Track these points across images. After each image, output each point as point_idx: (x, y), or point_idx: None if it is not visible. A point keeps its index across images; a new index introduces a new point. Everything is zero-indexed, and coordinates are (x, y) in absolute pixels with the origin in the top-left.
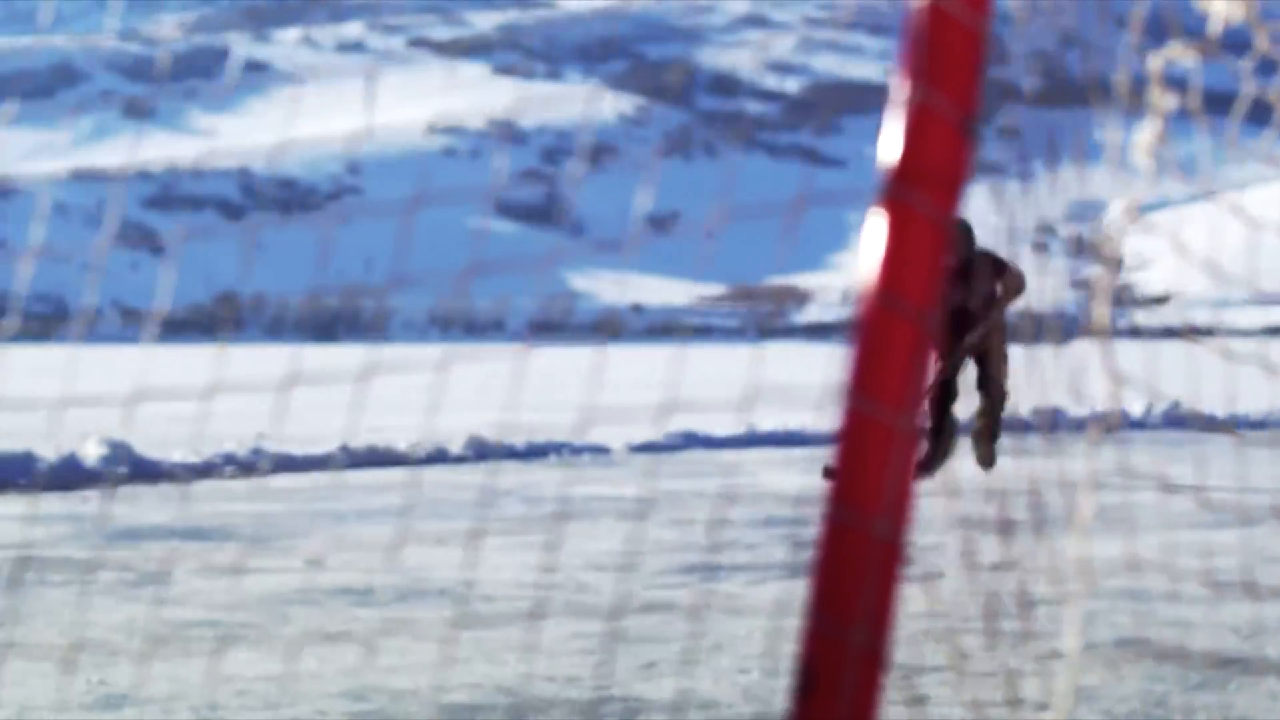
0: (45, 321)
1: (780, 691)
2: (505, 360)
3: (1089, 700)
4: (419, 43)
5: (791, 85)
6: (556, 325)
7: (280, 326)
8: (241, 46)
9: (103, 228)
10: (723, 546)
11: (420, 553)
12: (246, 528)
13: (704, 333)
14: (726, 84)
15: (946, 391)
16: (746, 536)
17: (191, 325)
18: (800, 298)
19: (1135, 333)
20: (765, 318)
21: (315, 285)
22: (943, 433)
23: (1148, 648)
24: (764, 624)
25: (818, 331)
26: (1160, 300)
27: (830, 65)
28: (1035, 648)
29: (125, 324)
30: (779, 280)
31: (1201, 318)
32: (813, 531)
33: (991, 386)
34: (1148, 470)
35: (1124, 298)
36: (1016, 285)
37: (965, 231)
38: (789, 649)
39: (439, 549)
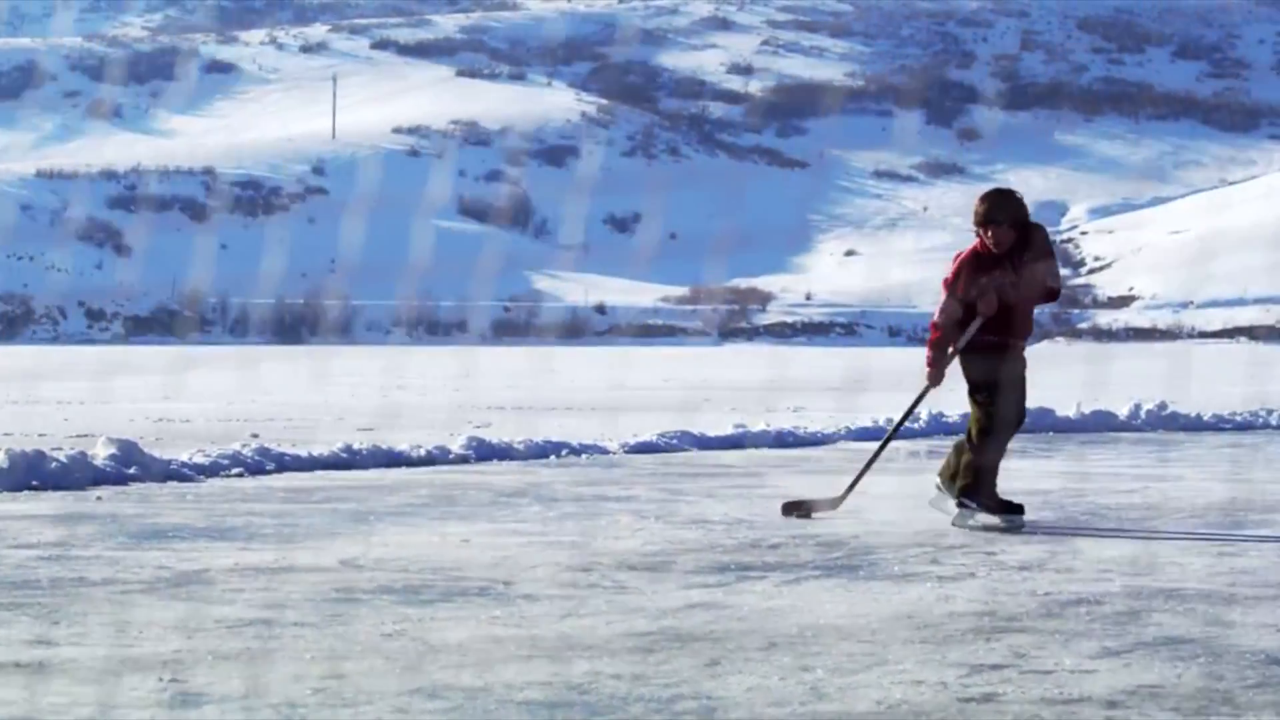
0: (10, 321)
1: (849, 689)
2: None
3: (1155, 698)
4: (383, 44)
5: (754, 87)
6: (520, 326)
7: (244, 327)
8: (206, 48)
9: (67, 227)
10: (747, 546)
11: (449, 552)
12: (270, 528)
13: (667, 333)
14: (689, 85)
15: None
16: (768, 537)
17: (156, 325)
18: (763, 299)
19: (1097, 334)
20: (728, 318)
21: (280, 286)
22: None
23: (1200, 646)
24: (811, 622)
25: (780, 333)
26: (1121, 302)
27: (793, 67)
28: (1086, 646)
29: (90, 323)
30: (742, 282)
31: (1163, 320)
32: (836, 532)
33: (998, 409)
34: (1145, 471)
35: (1085, 299)
36: (1045, 242)
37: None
38: (846, 648)
39: (466, 549)
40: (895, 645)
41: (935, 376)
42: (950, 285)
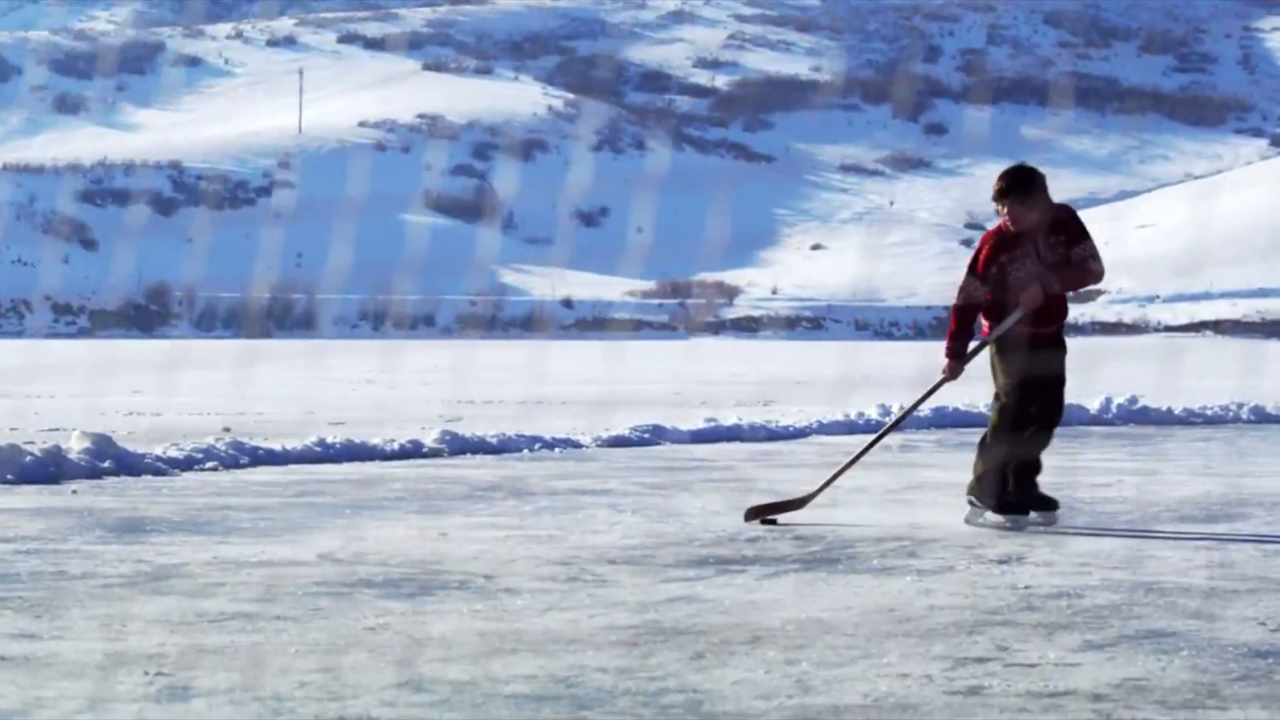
0: None
1: (835, 682)
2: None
3: (1142, 692)
4: (350, 38)
5: (721, 81)
6: (488, 320)
7: (211, 321)
8: (173, 42)
9: (34, 222)
10: (725, 540)
11: (427, 546)
12: (247, 522)
13: (634, 327)
14: (656, 80)
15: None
16: (746, 530)
17: (123, 319)
18: (730, 293)
19: (1064, 328)
20: (695, 312)
21: (247, 280)
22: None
23: (1182, 640)
24: (794, 615)
25: (747, 327)
26: (1088, 296)
27: (760, 61)
28: (1069, 640)
29: (57, 318)
30: (709, 276)
31: (1129, 314)
32: (812, 527)
33: (1012, 407)
34: (1118, 465)
35: None
36: (1077, 223)
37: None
38: (830, 641)
39: (444, 543)
40: (879, 638)
41: (953, 369)
42: (971, 264)
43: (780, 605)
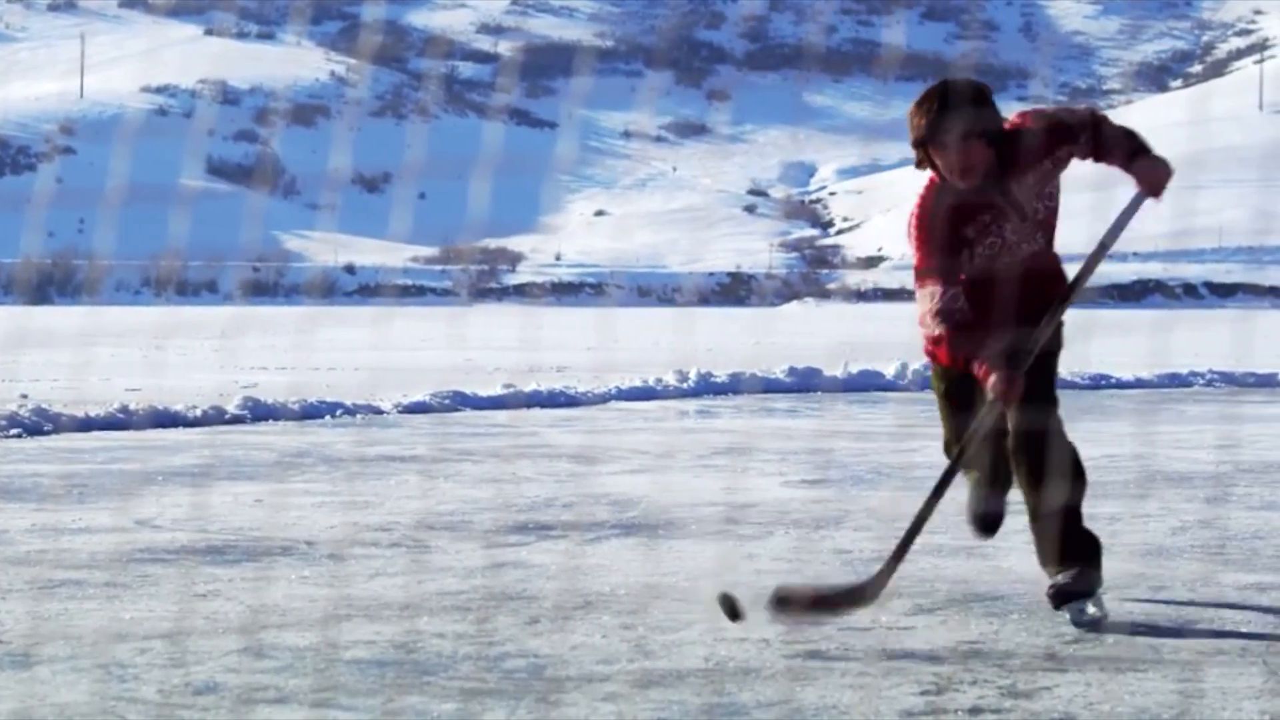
0: None
1: (674, 647)
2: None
3: (979, 655)
4: (132, 3)
5: (504, 47)
6: (270, 286)
7: None
8: None
9: None
10: (541, 505)
11: (244, 513)
12: (60, 489)
13: (417, 293)
14: (439, 45)
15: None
16: (559, 495)
17: None
18: (513, 259)
19: (847, 295)
20: (478, 279)
21: (28, 245)
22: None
23: (1010, 604)
24: (622, 580)
25: (530, 293)
26: (871, 262)
27: (542, 27)
28: (898, 604)
29: None
30: (492, 242)
31: (912, 280)
32: (625, 491)
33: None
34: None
35: (834, 260)
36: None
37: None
38: (662, 606)
39: (261, 509)
40: (710, 603)
41: (1009, 383)
42: (925, 241)
43: (607, 570)
